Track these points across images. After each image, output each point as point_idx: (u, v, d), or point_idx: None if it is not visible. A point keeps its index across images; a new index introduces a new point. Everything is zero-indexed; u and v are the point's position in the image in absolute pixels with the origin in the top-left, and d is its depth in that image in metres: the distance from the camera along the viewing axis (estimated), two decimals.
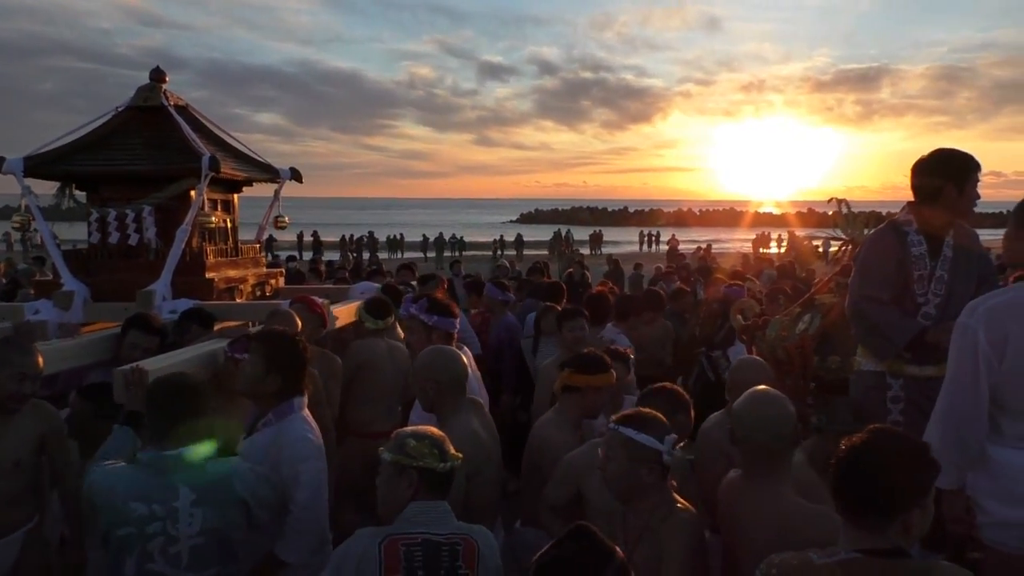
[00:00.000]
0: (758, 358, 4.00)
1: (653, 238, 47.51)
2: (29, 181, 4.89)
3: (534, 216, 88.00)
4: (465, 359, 4.06)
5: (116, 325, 4.42)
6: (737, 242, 42.99)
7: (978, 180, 3.35)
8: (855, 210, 4.58)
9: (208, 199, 5.12)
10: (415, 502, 2.39)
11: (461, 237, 42.14)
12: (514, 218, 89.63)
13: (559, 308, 5.64)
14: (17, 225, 4.94)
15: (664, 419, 2.63)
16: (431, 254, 38.49)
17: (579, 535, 1.98)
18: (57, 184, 5.11)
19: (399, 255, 40.24)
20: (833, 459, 1.95)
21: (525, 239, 43.00)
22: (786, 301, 5.31)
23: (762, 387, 2.90)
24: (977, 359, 2.54)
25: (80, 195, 5.15)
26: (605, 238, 47.44)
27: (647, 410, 2.68)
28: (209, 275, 4.94)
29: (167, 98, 5.17)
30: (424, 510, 2.37)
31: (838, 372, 3.97)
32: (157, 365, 3.34)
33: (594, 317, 5.49)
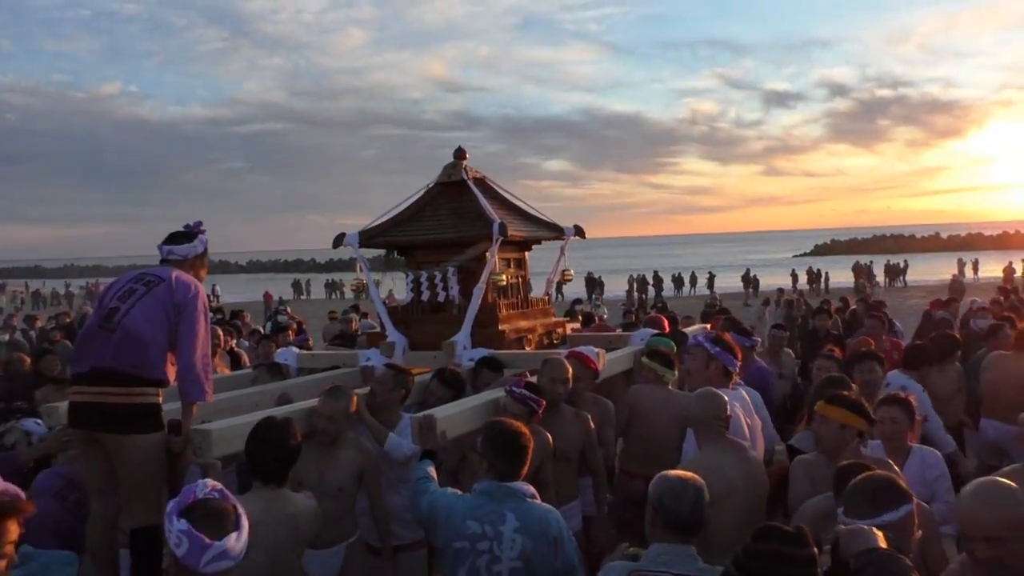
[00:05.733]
0: None
1: (972, 266, 41.99)
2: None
3: (830, 247, 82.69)
4: (736, 402, 4.26)
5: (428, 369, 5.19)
6: None
7: None
8: None
9: (501, 258, 5.81)
10: (658, 543, 2.65)
11: (754, 275, 40.11)
12: (808, 250, 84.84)
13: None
14: (354, 287, 6.02)
15: None
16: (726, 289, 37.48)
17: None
18: (383, 251, 6.16)
19: (691, 292, 40.05)
20: None
21: (820, 271, 40.20)
22: None
23: None
24: None
25: (400, 259, 6.16)
26: (912, 267, 43.10)
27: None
28: (502, 327, 5.60)
29: (467, 173, 6.00)
30: (666, 552, 2.62)
31: None
32: (445, 413, 3.95)
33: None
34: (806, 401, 5.15)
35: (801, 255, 76.65)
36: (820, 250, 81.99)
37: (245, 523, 2.41)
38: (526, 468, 3.19)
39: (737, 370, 4.54)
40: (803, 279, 39.37)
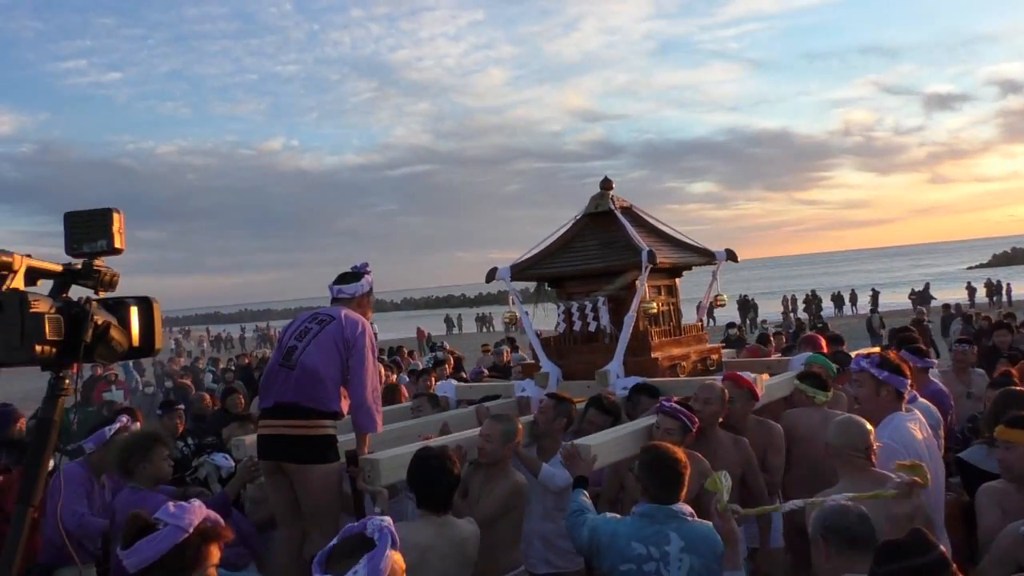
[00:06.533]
0: None
1: None
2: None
3: (1011, 256, 75.53)
4: (913, 425, 4.02)
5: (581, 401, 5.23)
6: None
7: None
8: None
9: (652, 286, 5.79)
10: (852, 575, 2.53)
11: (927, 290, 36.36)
12: (985, 260, 78.01)
13: None
14: (507, 319, 6.19)
15: None
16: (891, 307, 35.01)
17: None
18: (534, 283, 6.28)
19: (853, 311, 37.80)
20: None
21: (1000, 283, 36.70)
22: None
23: None
24: None
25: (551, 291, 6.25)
26: None
27: None
28: (654, 354, 5.57)
29: (614, 203, 6.04)
30: None
31: None
32: (598, 440, 3.99)
33: None
34: (982, 422, 4.76)
35: (977, 267, 70.70)
36: (1000, 260, 74.98)
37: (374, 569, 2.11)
38: (683, 493, 3.17)
39: (907, 388, 4.25)
40: (981, 292, 36.23)
